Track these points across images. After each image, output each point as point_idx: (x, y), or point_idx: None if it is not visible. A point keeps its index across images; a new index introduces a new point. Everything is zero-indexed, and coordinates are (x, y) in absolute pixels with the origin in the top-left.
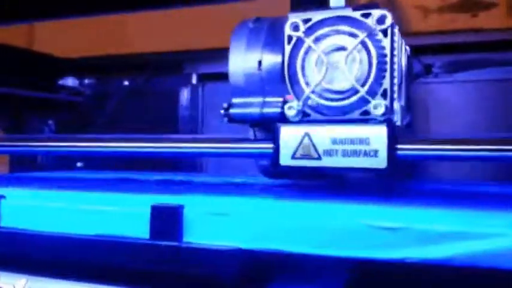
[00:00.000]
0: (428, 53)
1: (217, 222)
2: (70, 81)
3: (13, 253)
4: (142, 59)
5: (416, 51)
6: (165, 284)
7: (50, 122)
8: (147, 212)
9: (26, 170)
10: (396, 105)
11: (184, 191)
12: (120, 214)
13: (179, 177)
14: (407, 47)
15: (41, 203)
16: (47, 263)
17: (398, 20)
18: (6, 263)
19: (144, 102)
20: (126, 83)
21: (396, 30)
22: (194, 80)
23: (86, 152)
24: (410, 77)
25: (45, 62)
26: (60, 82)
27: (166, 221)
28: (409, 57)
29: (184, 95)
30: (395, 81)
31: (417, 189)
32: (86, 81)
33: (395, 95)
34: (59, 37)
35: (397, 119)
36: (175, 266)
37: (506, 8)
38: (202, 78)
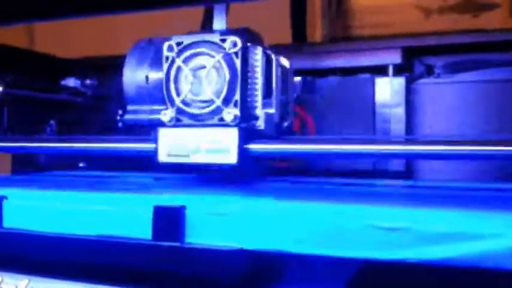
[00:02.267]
0: (429, 53)
1: (219, 222)
2: (72, 82)
3: (15, 254)
4: None
5: (417, 52)
6: (167, 284)
7: (52, 122)
8: (150, 212)
9: (28, 170)
10: (260, 113)
11: (186, 192)
12: (122, 215)
13: (181, 177)
14: (286, 63)
15: (43, 203)
16: (49, 263)
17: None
18: (9, 264)
19: None
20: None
21: (259, 51)
22: None
23: (87, 152)
24: (288, 88)
25: (46, 62)
26: (62, 82)
27: (168, 221)
28: (286, 72)
29: None
30: (258, 93)
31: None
32: (88, 81)
33: (258, 104)
34: (59, 37)
35: (261, 123)
36: (177, 267)
37: (507, 9)
38: None
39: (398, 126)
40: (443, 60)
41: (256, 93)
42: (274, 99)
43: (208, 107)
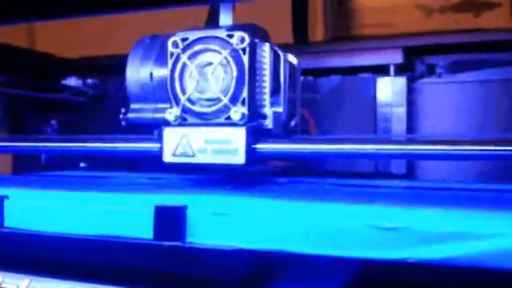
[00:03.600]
0: (431, 53)
1: (221, 222)
2: (73, 82)
3: (17, 253)
4: None
5: (419, 52)
6: (168, 284)
7: (53, 122)
8: (151, 212)
9: (29, 170)
10: (268, 112)
11: (188, 192)
12: (123, 214)
13: (183, 177)
14: (294, 60)
15: (44, 203)
16: (51, 263)
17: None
18: (10, 264)
19: None
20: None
21: (266, 47)
22: None
23: (89, 152)
24: (295, 86)
25: (47, 62)
26: (63, 82)
27: (169, 221)
28: (294, 69)
29: None
30: (266, 90)
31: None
32: (89, 81)
33: (266, 103)
34: (60, 37)
35: (269, 122)
36: (178, 266)
37: (509, 8)
38: None
39: (399, 126)
40: (445, 59)
41: (264, 91)
42: (282, 98)
43: (214, 105)
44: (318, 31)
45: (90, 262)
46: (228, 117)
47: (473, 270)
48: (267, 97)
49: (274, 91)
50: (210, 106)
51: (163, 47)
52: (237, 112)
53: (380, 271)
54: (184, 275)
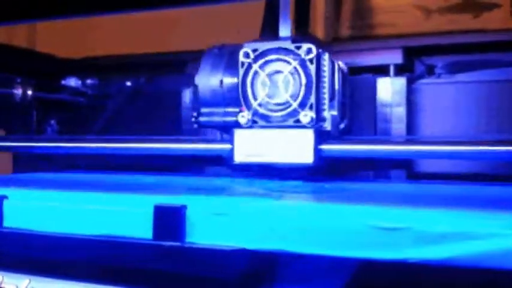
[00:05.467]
0: (430, 53)
1: (220, 222)
2: (72, 82)
3: (16, 253)
4: (145, 60)
5: (418, 52)
6: (167, 283)
7: (53, 122)
8: (150, 212)
9: (28, 170)
10: (327, 115)
11: (187, 192)
12: (123, 214)
13: (182, 177)
14: (344, 67)
15: (43, 203)
16: (50, 263)
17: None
18: (9, 263)
19: (147, 102)
20: (128, 83)
21: (326, 56)
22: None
23: (88, 152)
24: (346, 90)
25: (47, 62)
26: (63, 82)
27: (169, 221)
28: (344, 75)
29: (187, 95)
30: (326, 96)
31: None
32: (89, 81)
33: (326, 107)
34: (61, 37)
35: (328, 125)
36: (178, 266)
37: (508, 9)
38: None
39: (399, 126)
40: (444, 60)
41: (325, 96)
42: (336, 102)
43: (284, 109)
44: (318, 32)
45: (90, 262)
46: (297, 121)
47: (473, 270)
48: (326, 102)
49: (331, 96)
50: (280, 110)
51: (232, 56)
52: (307, 116)
53: (380, 271)
54: (183, 274)
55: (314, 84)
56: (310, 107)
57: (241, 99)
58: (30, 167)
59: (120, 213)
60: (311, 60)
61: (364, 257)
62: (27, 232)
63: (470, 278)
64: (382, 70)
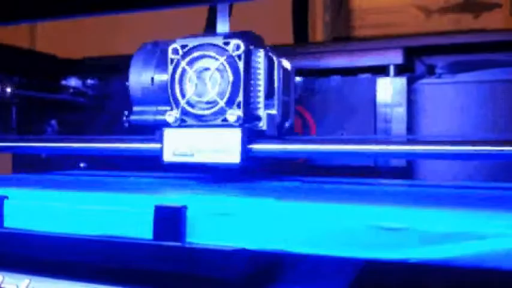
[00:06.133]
0: (431, 53)
1: (221, 222)
2: (73, 82)
3: (16, 253)
4: None
5: (418, 52)
6: (168, 284)
7: (53, 122)
8: (151, 212)
9: (28, 170)
10: (262, 114)
11: (188, 192)
12: (123, 214)
13: (182, 178)
14: (287, 64)
15: (43, 203)
16: (50, 263)
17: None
18: (10, 264)
19: None
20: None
21: (261, 53)
22: None
23: (88, 152)
24: (289, 89)
25: (48, 62)
26: (63, 82)
27: (169, 221)
28: (287, 73)
29: None
30: (260, 94)
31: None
32: (89, 81)
33: (260, 105)
34: (60, 37)
35: (263, 124)
36: (178, 267)
37: (508, 9)
38: None
39: (399, 126)
40: (445, 60)
41: (259, 94)
42: (276, 100)
43: (212, 108)
44: (318, 31)
45: (90, 262)
46: (225, 119)
47: (474, 271)
48: (261, 100)
49: (269, 94)
50: (208, 109)
51: (164, 53)
52: (233, 114)
53: (381, 271)
54: (184, 275)
55: (242, 81)
56: (238, 105)
57: (170, 97)
58: (30, 167)
59: (120, 214)
60: (239, 57)
61: (365, 257)
62: (27, 232)
63: (471, 278)
64: (382, 70)
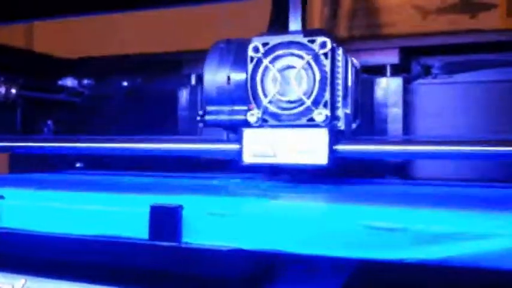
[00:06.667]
0: (427, 53)
1: (217, 222)
2: (69, 82)
3: (12, 253)
4: (141, 60)
5: (415, 52)
6: (164, 284)
7: (49, 122)
8: (146, 212)
9: (25, 170)
10: (340, 113)
11: (184, 191)
12: (119, 214)
13: (178, 177)
14: (356, 63)
15: (40, 203)
16: (46, 263)
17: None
18: (5, 263)
19: (143, 102)
20: (125, 83)
21: (340, 51)
22: (193, 81)
23: (84, 152)
24: (359, 87)
25: (44, 62)
26: (60, 82)
27: (165, 221)
28: (357, 71)
29: (184, 95)
30: (340, 93)
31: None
32: (85, 81)
33: (339, 105)
34: (58, 37)
35: (341, 124)
36: (174, 267)
37: (505, 9)
38: (201, 78)
39: (395, 126)
40: (441, 60)
41: (339, 93)
42: (350, 99)
43: (296, 107)
44: None
45: (86, 262)
46: (311, 119)
47: (472, 271)
48: (340, 99)
49: (345, 93)
50: (292, 108)
51: (240, 51)
52: (321, 114)
53: (378, 272)
54: (180, 275)
55: (329, 80)
56: (325, 105)
57: (250, 97)
58: (26, 166)
59: (116, 213)
60: (325, 55)
61: (362, 258)
62: (23, 232)
63: (468, 278)
64: (378, 70)
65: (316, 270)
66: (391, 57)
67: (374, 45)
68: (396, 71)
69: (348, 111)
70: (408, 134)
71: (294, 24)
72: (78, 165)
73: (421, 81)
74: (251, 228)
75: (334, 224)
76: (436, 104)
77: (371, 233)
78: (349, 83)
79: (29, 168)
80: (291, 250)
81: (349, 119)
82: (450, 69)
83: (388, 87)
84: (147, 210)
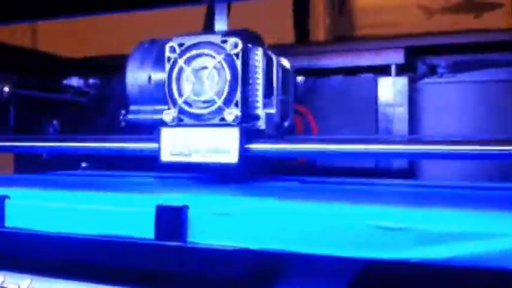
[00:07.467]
0: (432, 53)
1: (222, 222)
2: (74, 81)
3: (18, 253)
4: None
5: (420, 52)
6: (169, 284)
7: (55, 122)
8: (152, 212)
9: (30, 170)
10: (260, 112)
11: (189, 191)
12: (125, 214)
13: (184, 177)
14: (287, 64)
15: (45, 203)
16: (52, 263)
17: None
18: (11, 263)
19: None
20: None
21: (259, 52)
22: None
23: (90, 152)
24: (288, 88)
25: (49, 62)
26: (65, 82)
27: (171, 221)
28: (286, 72)
29: None
30: (259, 93)
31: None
32: (91, 81)
33: (259, 104)
34: (62, 37)
35: (261, 123)
36: (180, 266)
37: (509, 9)
38: None
39: (401, 126)
40: (446, 60)
41: (257, 93)
42: (274, 99)
43: (209, 107)
44: (319, 31)
45: (91, 262)
46: (222, 119)
47: (474, 270)
48: (259, 99)
49: (267, 93)
50: (205, 108)
51: (161, 51)
52: (231, 114)
53: (381, 271)
54: (185, 274)
55: (240, 80)
56: (236, 105)
57: (168, 96)
58: (31, 166)
59: (121, 213)
60: (237, 55)
61: (365, 257)
62: (29, 232)
63: (471, 278)
64: (383, 70)
65: (321, 269)
66: (396, 57)
67: (379, 44)
68: (401, 70)
69: (273, 111)
70: (413, 133)
71: (219, 24)
72: (83, 165)
73: (426, 80)
74: (256, 228)
75: (339, 224)
76: (441, 103)
77: (375, 233)
78: (274, 84)
79: (34, 168)
80: (295, 250)
81: (272, 119)
82: (455, 69)
83: (393, 87)
84: (153, 210)
